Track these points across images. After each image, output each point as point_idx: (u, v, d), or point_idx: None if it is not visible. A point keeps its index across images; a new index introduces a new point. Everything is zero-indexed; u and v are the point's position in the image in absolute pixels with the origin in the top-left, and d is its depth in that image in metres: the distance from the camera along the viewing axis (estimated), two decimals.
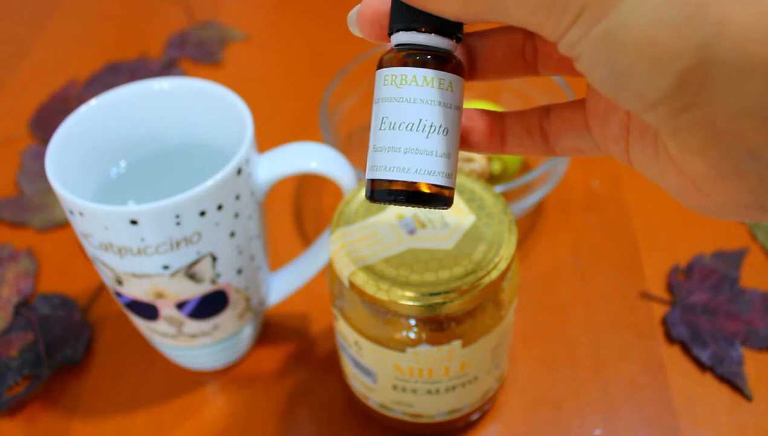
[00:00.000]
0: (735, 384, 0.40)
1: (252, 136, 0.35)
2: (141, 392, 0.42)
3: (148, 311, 0.37)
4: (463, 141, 0.25)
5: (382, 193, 0.23)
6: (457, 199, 0.34)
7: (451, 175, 0.23)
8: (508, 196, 0.44)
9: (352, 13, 0.24)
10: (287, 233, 0.50)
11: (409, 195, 0.23)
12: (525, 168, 0.51)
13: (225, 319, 0.38)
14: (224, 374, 0.42)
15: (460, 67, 0.23)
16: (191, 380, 0.42)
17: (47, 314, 0.45)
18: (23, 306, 0.46)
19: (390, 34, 0.23)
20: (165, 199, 0.32)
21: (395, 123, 0.23)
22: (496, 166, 0.49)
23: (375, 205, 0.34)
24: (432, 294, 0.30)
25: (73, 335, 0.44)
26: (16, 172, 0.56)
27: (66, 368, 0.43)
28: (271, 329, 0.44)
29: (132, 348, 0.44)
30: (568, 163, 0.48)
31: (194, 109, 0.39)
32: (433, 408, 0.36)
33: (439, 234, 0.33)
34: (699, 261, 0.46)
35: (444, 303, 0.30)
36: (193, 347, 0.39)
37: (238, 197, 0.34)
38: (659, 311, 0.44)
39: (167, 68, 0.65)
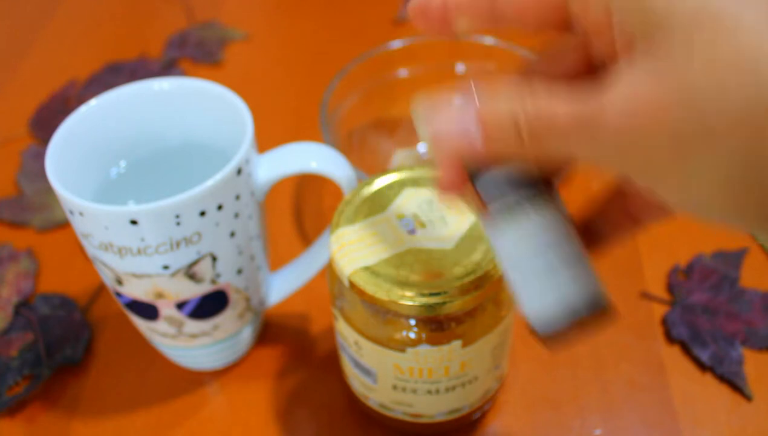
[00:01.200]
0: (735, 384, 0.40)
1: (252, 136, 0.35)
2: (141, 392, 0.42)
3: (148, 311, 0.37)
4: None
5: (549, 338, 0.24)
6: (457, 200, 0.34)
7: (592, 275, 0.24)
8: None
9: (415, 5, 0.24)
10: (287, 233, 0.50)
11: (577, 321, 0.24)
12: None
13: (225, 319, 0.38)
14: (224, 374, 0.42)
15: (554, 188, 0.25)
16: (191, 380, 0.42)
17: (47, 314, 0.45)
18: (23, 306, 0.46)
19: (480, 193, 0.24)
20: (165, 199, 0.32)
21: (529, 269, 0.24)
22: None
23: (375, 205, 0.34)
24: (432, 294, 0.30)
25: (73, 335, 0.44)
26: (16, 172, 0.56)
27: (66, 368, 0.43)
28: (271, 329, 0.44)
29: (132, 348, 0.44)
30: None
31: (194, 109, 0.39)
32: (433, 408, 0.36)
33: (439, 234, 0.33)
34: (699, 261, 0.46)
35: (444, 303, 0.30)
36: (193, 347, 0.39)
37: (238, 197, 0.34)
38: (659, 311, 0.44)
39: (167, 68, 0.65)
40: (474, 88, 0.22)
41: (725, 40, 0.17)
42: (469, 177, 0.24)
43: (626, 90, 0.19)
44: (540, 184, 0.24)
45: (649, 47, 0.19)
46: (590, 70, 0.23)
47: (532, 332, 0.24)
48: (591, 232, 0.26)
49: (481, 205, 0.24)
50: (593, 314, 0.23)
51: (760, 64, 0.17)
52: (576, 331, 0.23)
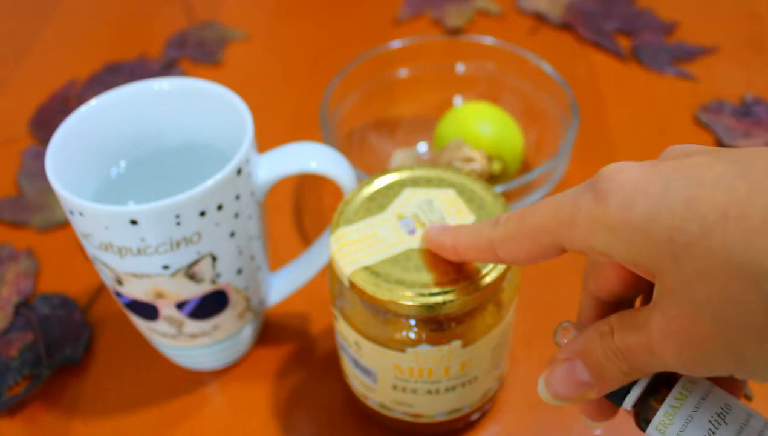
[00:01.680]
0: None
1: (252, 136, 0.35)
2: (141, 392, 0.42)
3: (148, 311, 0.37)
4: None
5: None
6: (457, 199, 0.34)
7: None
8: (508, 197, 0.44)
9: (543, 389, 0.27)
10: (287, 233, 0.50)
11: None
12: (525, 168, 0.51)
13: (225, 319, 0.38)
14: (224, 374, 0.42)
15: (673, 378, 0.25)
16: (191, 380, 0.42)
17: (47, 314, 0.45)
18: (23, 306, 0.46)
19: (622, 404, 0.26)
20: (165, 199, 0.32)
21: None
22: (496, 167, 0.49)
23: (375, 205, 0.34)
24: (432, 294, 0.30)
25: (73, 335, 0.44)
26: (16, 172, 0.56)
27: (66, 368, 0.43)
28: (271, 329, 0.44)
29: (132, 348, 0.44)
30: (568, 163, 0.48)
31: (194, 109, 0.39)
32: (433, 408, 0.36)
33: None
34: None
35: (444, 303, 0.30)
36: (193, 347, 0.39)
37: (238, 197, 0.34)
38: None
39: (167, 68, 0.65)
40: (564, 339, 0.27)
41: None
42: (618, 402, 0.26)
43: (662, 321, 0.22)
44: (666, 379, 0.25)
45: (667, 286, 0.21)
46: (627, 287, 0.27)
47: None
48: None
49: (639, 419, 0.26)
50: None
51: (760, 277, 0.19)
52: None
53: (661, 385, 0.25)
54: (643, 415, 0.25)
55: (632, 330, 0.23)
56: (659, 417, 0.24)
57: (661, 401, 0.24)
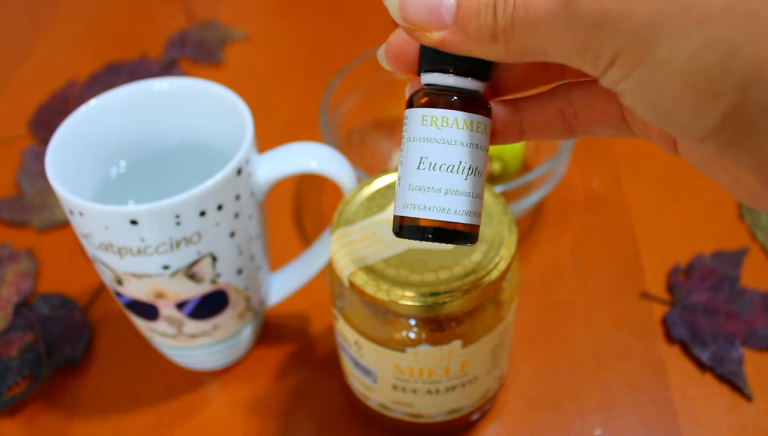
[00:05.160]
0: (735, 384, 0.40)
1: (252, 136, 0.35)
2: (141, 392, 0.42)
3: (148, 311, 0.37)
4: None
5: (413, 229, 0.24)
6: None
7: (481, 214, 0.24)
8: (508, 196, 0.44)
9: (381, 50, 0.24)
10: (287, 233, 0.50)
11: (443, 233, 0.23)
12: (525, 168, 0.51)
13: (225, 319, 0.38)
14: (224, 374, 0.42)
15: (490, 110, 0.24)
16: (191, 380, 0.42)
17: (47, 314, 0.45)
18: (23, 306, 0.46)
19: (421, 72, 0.24)
20: (165, 199, 0.32)
21: (435, 164, 0.23)
22: (496, 167, 0.49)
23: (375, 205, 0.34)
24: (432, 294, 0.30)
25: (73, 335, 0.44)
26: (16, 172, 0.56)
27: (66, 368, 0.43)
28: (271, 329, 0.44)
29: (132, 348, 0.44)
30: (568, 163, 0.48)
31: (194, 109, 0.39)
32: (433, 408, 0.36)
33: None
34: (699, 261, 0.46)
35: (444, 303, 0.30)
36: (193, 347, 0.39)
37: (238, 197, 0.34)
38: (659, 311, 0.44)
39: (167, 68, 0.65)
40: None
41: None
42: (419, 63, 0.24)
43: None
44: (481, 100, 0.23)
45: None
46: None
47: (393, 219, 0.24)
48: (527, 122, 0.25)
49: (418, 89, 0.24)
50: (459, 236, 0.23)
51: None
52: (429, 236, 0.23)
53: (470, 103, 0.23)
54: (415, 99, 0.24)
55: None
56: (429, 112, 0.23)
57: (445, 107, 0.23)
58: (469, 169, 0.23)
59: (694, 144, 0.19)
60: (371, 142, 0.54)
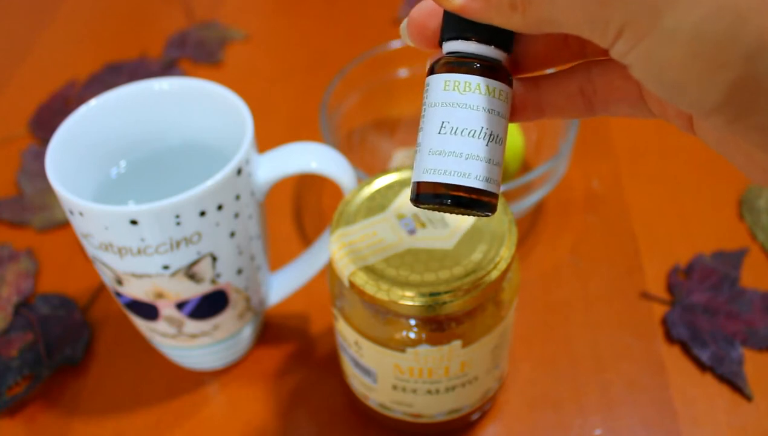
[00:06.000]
0: (735, 384, 0.40)
1: (252, 136, 0.35)
2: (141, 392, 0.42)
3: (148, 311, 0.37)
4: None
5: (431, 196, 0.23)
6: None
7: (500, 184, 0.24)
8: (508, 196, 0.44)
9: (404, 25, 0.24)
10: (287, 233, 0.50)
11: (462, 200, 0.23)
12: (525, 168, 0.51)
13: (225, 319, 0.38)
14: (224, 374, 0.42)
15: (512, 81, 0.24)
16: (191, 380, 0.42)
17: (47, 314, 0.45)
18: (23, 306, 0.46)
19: (443, 41, 0.24)
20: (165, 199, 0.32)
21: (457, 128, 0.23)
22: None
23: (375, 205, 0.34)
24: (432, 294, 0.30)
25: (73, 335, 0.44)
26: (16, 172, 0.56)
27: (66, 368, 0.43)
28: (271, 329, 0.44)
29: (132, 348, 0.44)
30: (568, 163, 0.48)
31: (194, 109, 0.39)
32: (433, 408, 0.36)
33: (439, 234, 0.33)
34: (699, 261, 0.46)
35: (444, 303, 0.30)
36: (193, 347, 0.39)
37: (238, 197, 0.34)
38: (659, 311, 0.44)
39: (167, 68, 0.65)
40: None
41: None
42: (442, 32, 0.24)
43: None
44: (503, 70, 0.23)
45: None
46: None
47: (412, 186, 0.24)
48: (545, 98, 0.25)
49: (439, 57, 0.24)
50: (478, 204, 0.23)
51: None
52: (448, 202, 0.23)
53: (490, 71, 0.23)
54: (437, 66, 0.23)
55: None
56: (456, 72, 0.23)
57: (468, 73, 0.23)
58: (490, 135, 0.23)
59: (702, 119, 0.19)
60: (371, 142, 0.54)
